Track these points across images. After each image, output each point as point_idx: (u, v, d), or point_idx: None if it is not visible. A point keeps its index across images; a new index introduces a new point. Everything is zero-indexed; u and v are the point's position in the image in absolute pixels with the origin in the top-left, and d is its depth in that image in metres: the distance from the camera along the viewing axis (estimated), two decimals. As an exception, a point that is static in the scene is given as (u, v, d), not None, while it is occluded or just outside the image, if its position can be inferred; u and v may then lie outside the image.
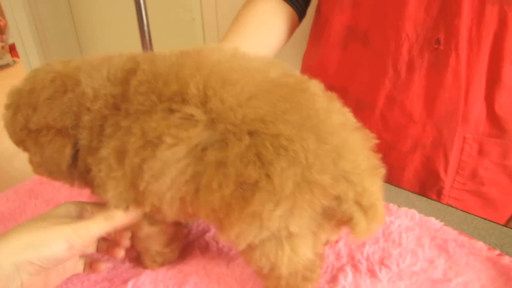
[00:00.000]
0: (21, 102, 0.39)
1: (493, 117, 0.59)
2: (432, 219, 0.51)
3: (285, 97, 0.34)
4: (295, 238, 0.34)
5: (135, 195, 0.37)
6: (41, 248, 0.34)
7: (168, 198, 0.35)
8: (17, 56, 2.65)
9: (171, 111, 0.33)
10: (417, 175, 0.67)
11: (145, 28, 0.93)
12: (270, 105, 0.33)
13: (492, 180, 0.63)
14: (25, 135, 0.39)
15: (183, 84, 0.34)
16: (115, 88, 0.37)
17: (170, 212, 0.37)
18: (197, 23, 1.29)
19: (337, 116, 0.35)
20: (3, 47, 3.06)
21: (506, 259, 0.45)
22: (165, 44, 1.31)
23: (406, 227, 0.50)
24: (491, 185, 0.64)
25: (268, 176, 0.31)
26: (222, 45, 0.62)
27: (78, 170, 0.39)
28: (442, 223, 0.50)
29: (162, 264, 0.45)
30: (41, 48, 1.56)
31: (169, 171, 0.33)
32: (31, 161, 0.42)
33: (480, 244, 0.47)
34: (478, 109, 0.60)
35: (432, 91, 0.60)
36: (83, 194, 0.59)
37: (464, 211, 0.55)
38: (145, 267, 0.45)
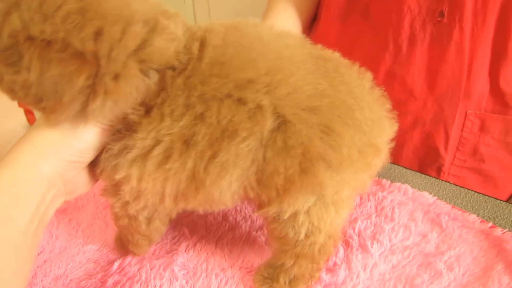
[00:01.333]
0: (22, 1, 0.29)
1: (497, 93, 0.58)
2: (425, 194, 0.51)
3: (332, 69, 0.35)
4: (341, 201, 0.36)
5: (185, 190, 0.34)
6: (73, 142, 0.32)
7: (233, 189, 0.34)
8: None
9: (241, 101, 0.31)
10: (416, 152, 0.66)
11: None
12: (326, 79, 0.34)
13: (493, 157, 0.63)
14: (19, 42, 0.29)
15: (255, 71, 0.32)
16: (186, 54, 0.33)
17: (229, 202, 0.36)
18: (188, 4, 1.26)
19: (366, 81, 0.38)
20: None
21: (498, 231, 0.45)
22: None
23: (399, 202, 0.50)
24: (492, 162, 0.63)
25: (333, 146, 0.32)
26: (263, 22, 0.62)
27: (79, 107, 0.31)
28: (435, 198, 0.50)
29: (153, 242, 0.45)
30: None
31: (242, 162, 0.32)
32: (12, 81, 0.30)
33: (473, 217, 0.47)
34: (481, 84, 0.58)
35: (434, 66, 0.59)
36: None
37: (457, 186, 0.55)
38: (137, 254, 0.44)
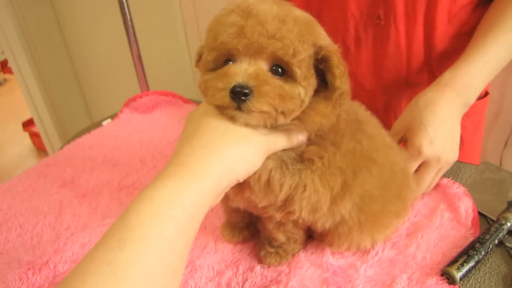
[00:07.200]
0: None
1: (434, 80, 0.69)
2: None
3: None
4: None
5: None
6: (249, 166, 0.33)
7: None
8: (10, 72, 2.69)
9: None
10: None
11: (131, 30, 0.99)
12: None
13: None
14: None
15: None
16: None
17: None
18: (178, 22, 1.36)
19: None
20: (-8, 67, 3.13)
21: (444, 180, 0.55)
22: (150, 42, 1.35)
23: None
24: (439, 140, 0.74)
25: None
26: None
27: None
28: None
29: None
30: (33, 61, 1.68)
31: None
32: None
33: (425, 173, 0.57)
34: (420, 74, 0.68)
35: (378, 62, 0.69)
36: (86, 171, 0.66)
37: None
38: (295, 253, 0.48)
